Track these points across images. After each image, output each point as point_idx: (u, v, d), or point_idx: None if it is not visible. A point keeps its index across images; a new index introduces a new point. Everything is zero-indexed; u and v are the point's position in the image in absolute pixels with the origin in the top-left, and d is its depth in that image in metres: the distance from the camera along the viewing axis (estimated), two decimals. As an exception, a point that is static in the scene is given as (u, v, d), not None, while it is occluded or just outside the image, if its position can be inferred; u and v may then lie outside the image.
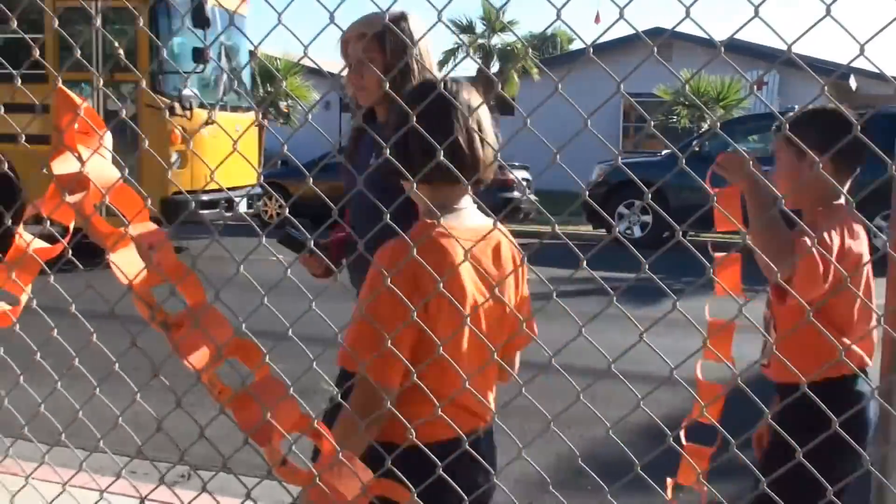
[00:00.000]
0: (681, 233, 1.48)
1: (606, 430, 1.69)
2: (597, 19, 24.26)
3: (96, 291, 1.93)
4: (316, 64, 1.88)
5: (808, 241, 2.37)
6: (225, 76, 12.51)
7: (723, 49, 1.45)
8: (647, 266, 1.53)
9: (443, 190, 2.03)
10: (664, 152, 16.54)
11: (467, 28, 26.60)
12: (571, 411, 1.85)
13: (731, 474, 3.22)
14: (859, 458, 2.20)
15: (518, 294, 2.20)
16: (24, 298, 2.19)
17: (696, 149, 13.31)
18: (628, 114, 26.52)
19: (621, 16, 1.52)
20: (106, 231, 1.94)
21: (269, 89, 21.59)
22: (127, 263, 1.91)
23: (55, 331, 2.06)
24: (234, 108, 13.07)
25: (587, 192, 1.68)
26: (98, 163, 1.97)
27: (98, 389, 2.11)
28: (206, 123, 10.91)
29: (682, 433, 2.48)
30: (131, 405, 2.06)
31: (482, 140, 2.04)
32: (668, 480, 2.53)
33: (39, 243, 2.13)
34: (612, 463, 1.97)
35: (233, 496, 2.78)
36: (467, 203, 2.10)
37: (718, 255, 2.63)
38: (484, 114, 2.07)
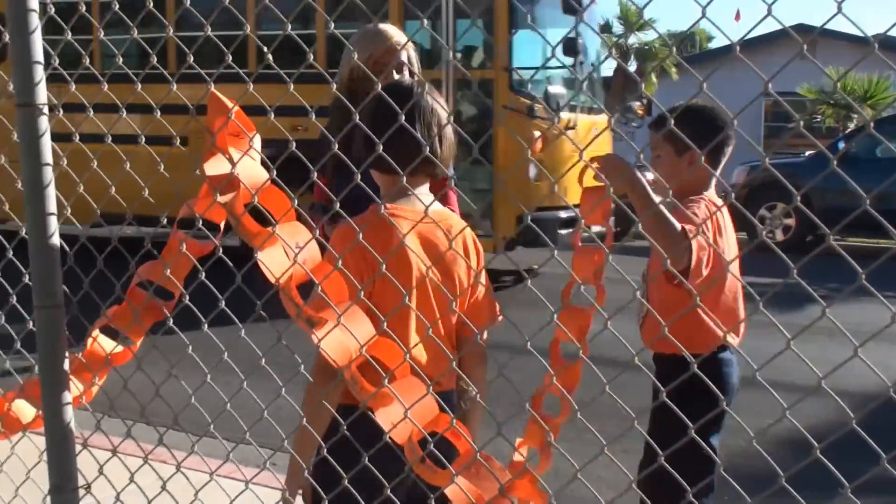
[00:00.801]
0: (831, 237, 1.43)
1: (750, 439, 1.65)
2: (737, 17, 23.71)
3: (244, 289, 2.00)
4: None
5: (692, 229, 2.62)
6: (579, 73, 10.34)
7: (877, 45, 1.40)
8: (795, 272, 1.49)
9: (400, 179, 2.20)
10: (808, 153, 16.00)
11: (605, 28, 26.35)
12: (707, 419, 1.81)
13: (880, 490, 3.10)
14: (722, 416, 2.97)
15: (470, 275, 2.39)
16: (176, 293, 2.28)
17: (847, 149, 12.81)
18: (767, 114, 25.75)
19: (769, 13, 1.48)
20: (255, 230, 2.01)
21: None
22: (274, 262, 1.97)
23: (206, 326, 2.14)
24: (589, 110, 11.16)
25: (733, 196, 1.64)
26: (248, 164, 2.04)
27: (245, 383, 2.18)
28: (568, 128, 9.74)
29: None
30: (276, 399, 2.12)
31: (440, 137, 2.31)
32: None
33: (192, 241, 2.22)
34: (754, 474, 1.92)
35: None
36: (424, 191, 2.37)
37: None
38: (443, 114, 2.34)
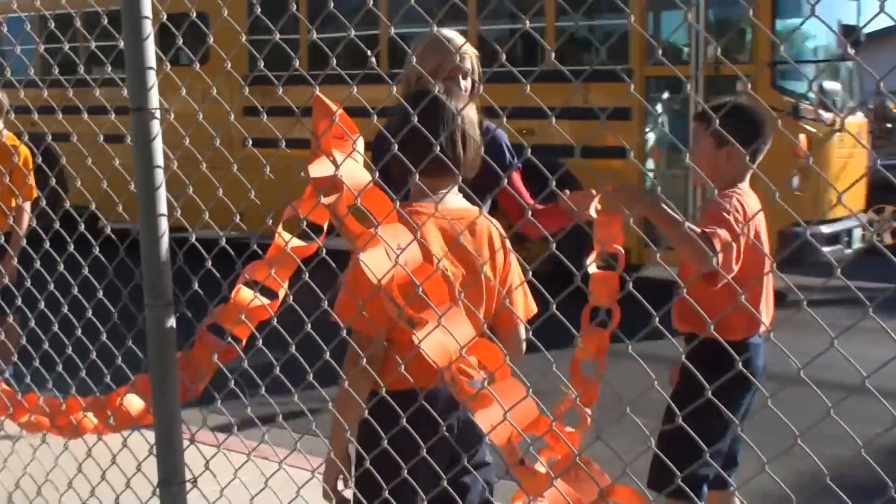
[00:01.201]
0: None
1: (858, 449, 1.60)
2: None
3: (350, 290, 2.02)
4: None
5: (722, 235, 2.85)
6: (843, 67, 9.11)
7: None
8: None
9: (428, 180, 2.30)
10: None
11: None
12: (814, 427, 1.77)
13: None
14: (744, 395, 3.12)
15: (498, 273, 2.45)
16: (281, 293, 2.33)
17: None
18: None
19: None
20: (357, 231, 2.04)
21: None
22: (376, 263, 2.00)
23: (308, 325, 2.18)
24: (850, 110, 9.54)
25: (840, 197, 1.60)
26: (351, 166, 2.07)
27: (346, 383, 2.21)
28: (836, 130, 8.56)
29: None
30: (377, 399, 2.15)
31: (464, 142, 2.42)
32: None
33: (297, 242, 2.26)
34: (861, 484, 1.87)
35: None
36: (452, 191, 2.47)
37: None
38: (472, 118, 2.49)
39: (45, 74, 11.09)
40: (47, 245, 2.89)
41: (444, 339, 1.93)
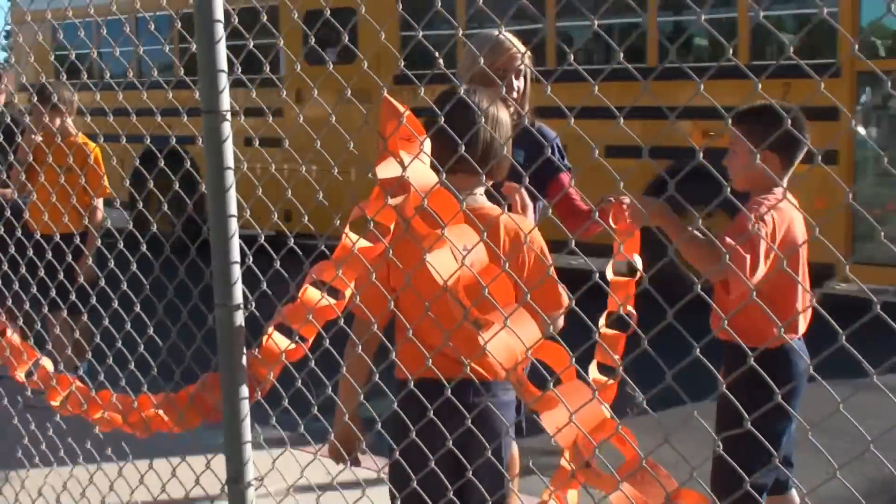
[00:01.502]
0: None
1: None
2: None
3: (414, 290, 2.04)
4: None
5: (731, 241, 2.85)
6: None
7: None
8: None
9: (456, 180, 2.29)
10: None
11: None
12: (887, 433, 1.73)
13: None
14: (790, 400, 3.07)
15: (522, 268, 2.50)
16: (347, 293, 2.35)
17: None
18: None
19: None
20: (424, 232, 2.05)
21: None
22: (442, 264, 2.00)
23: (374, 326, 2.19)
24: None
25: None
26: (418, 167, 2.08)
27: (412, 383, 2.22)
28: None
29: None
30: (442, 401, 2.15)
31: (488, 142, 2.48)
32: None
33: (363, 243, 2.27)
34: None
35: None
36: (478, 191, 2.58)
37: None
38: (503, 119, 2.57)
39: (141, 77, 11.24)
40: (140, 248, 2.90)
41: (509, 340, 1.92)
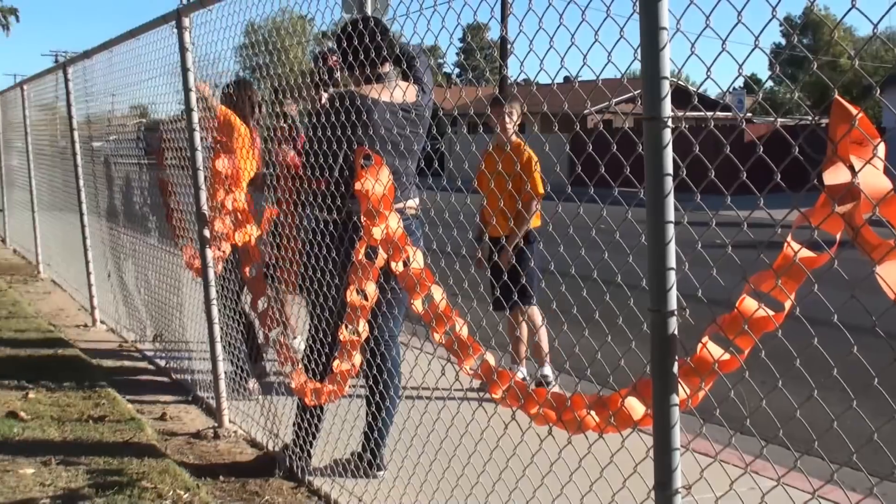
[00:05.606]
0: None
1: None
2: None
3: (860, 303, 1.92)
4: None
5: None
6: None
7: None
8: None
9: None
10: None
11: None
12: None
13: None
14: None
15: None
16: (787, 305, 2.26)
17: None
18: None
19: None
20: (875, 242, 1.93)
21: None
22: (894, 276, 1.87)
23: (815, 339, 2.09)
24: None
25: None
26: (870, 173, 1.96)
27: (855, 402, 2.09)
28: None
29: None
30: (888, 423, 2.01)
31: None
32: None
33: (806, 252, 2.18)
34: None
35: None
36: None
37: None
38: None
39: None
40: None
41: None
